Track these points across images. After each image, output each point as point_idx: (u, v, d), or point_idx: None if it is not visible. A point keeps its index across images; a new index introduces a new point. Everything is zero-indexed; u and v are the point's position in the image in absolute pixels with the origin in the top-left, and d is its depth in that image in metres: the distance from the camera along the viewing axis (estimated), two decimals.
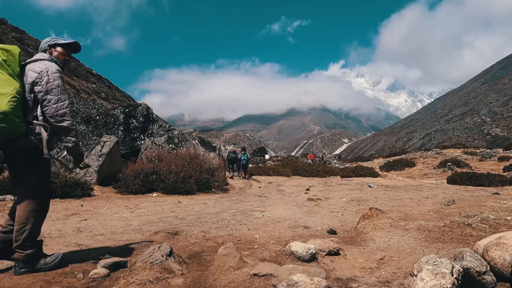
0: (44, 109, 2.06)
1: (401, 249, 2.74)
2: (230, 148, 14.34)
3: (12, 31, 42.16)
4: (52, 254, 2.23)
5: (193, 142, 11.05)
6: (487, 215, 3.51)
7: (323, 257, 2.59)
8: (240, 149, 14.67)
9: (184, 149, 9.83)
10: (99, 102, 35.72)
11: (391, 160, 29.06)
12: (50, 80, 2.07)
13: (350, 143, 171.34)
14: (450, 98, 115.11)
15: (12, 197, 5.34)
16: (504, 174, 13.42)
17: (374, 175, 16.44)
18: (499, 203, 5.10)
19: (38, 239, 2.20)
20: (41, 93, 2.05)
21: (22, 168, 2.10)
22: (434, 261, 1.76)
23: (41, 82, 2.06)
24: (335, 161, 33.17)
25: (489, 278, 1.80)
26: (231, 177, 12.69)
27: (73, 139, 2.15)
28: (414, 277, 1.76)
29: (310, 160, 28.59)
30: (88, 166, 7.42)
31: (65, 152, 2.13)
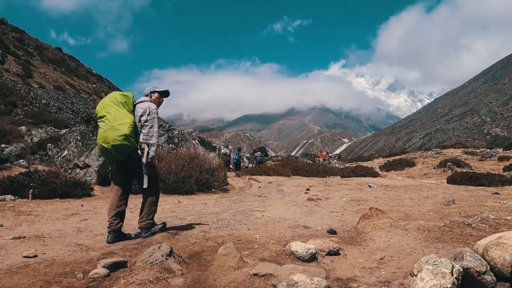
0: (142, 129, 3.13)
1: (401, 249, 2.74)
2: (222, 150, 16.23)
3: (12, 31, 42.13)
4: (158, 224, 3.40)
5: (193, 142, 11.04)
6: (487, 215, 3.51)
7: (323, 257, 2.59)
8: (236, 149, 16.63)
9: (184, 149, 9.83)
10: (99, 102, 35.73)
11: (391, 160, 29.04)
12: (150, 113, 3.18)
13: (350, 143, 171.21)
14: (450, 98, 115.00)
15: (12, 197, 5.33)
16: (504, 174, 13.40)
17: (374, 175, 16.42)
18: (499, 203, 5.10)
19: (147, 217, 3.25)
20: (143, 121, 3.14)
21: (137, 172, 3.16)
22: (434, 261, 1.76)
23: (145, 114, 3.15)
24: (335, 161, 33.14)
25: (489, 278, 1.80)
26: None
27: (153, 153, 3.14)
28: (414, 277, 1.76)
29: (321, 159, 28.29)
30: (88, 166, 7.42)
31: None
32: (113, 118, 2.98)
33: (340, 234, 3.57)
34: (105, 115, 3.01)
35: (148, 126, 3.13)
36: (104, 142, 2.95)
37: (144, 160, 3.07)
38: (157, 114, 3.24)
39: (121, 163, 3.14)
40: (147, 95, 3.37)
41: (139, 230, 3.32)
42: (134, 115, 3.14)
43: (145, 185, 3.11)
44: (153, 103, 3.28)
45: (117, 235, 3.07)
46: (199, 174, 7.96)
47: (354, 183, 11.31)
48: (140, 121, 3.14)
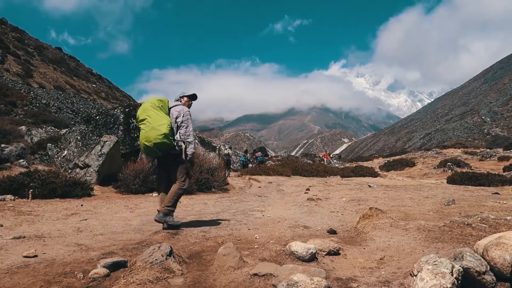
0: (180, 130, 3.59)
1: (401, 249, 2.74)
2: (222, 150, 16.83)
3: (12, 31, 42.12)
4: (175, 219, 3.67)
5: None
6: (487, 215, 3.51)
7: (323, 257, 2.59)
8: (243, 151, 18.32)
9: None
10: (99, 102, 35.73)
11: (391, 160, 29.04)
12: (184, 115, 3.63)
13: (350, 143, 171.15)
14: (450, 98, 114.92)
15: (12, 197, 5.34)
16: (504, 174, 13.40)
17: (374, 175, 16.42)
18: (499, 203, 5.10)
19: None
20: (180, 122, 3.59)
21: (173, 166, 3.60)
22: (434, 261, 1.76)
23: (180, 116, 3.60)
24: (335, 161, 33.13)
25: (489, 278, 1.80)
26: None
27: (192, 150, 3.61)
28: (414, 277, 1.76)
29: (325, 159, 28.57)
30: (88, 166, 7.42)
31: None
32: (153, 120, 3.41)
33: (340, 234, 3.57)
34: (146, 118, 3.44)
35: (185, 127, 3.59)
36: (147, 141, 3.38)
37: (183, 156, 3.52)
38: (190, 115, 3.69)
39: (160, 160, 3.63)
40: (177, 100, 3.84)
41: (141, 226, 3.44)
42: (170, 117, 3.54)
43: (179, 176, 3.57)
44: (185, 106, 3.74)
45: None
46: (199, 174, 7.96)
47: (354, 183, 11.30)
48: (176, 122, 3.58)
